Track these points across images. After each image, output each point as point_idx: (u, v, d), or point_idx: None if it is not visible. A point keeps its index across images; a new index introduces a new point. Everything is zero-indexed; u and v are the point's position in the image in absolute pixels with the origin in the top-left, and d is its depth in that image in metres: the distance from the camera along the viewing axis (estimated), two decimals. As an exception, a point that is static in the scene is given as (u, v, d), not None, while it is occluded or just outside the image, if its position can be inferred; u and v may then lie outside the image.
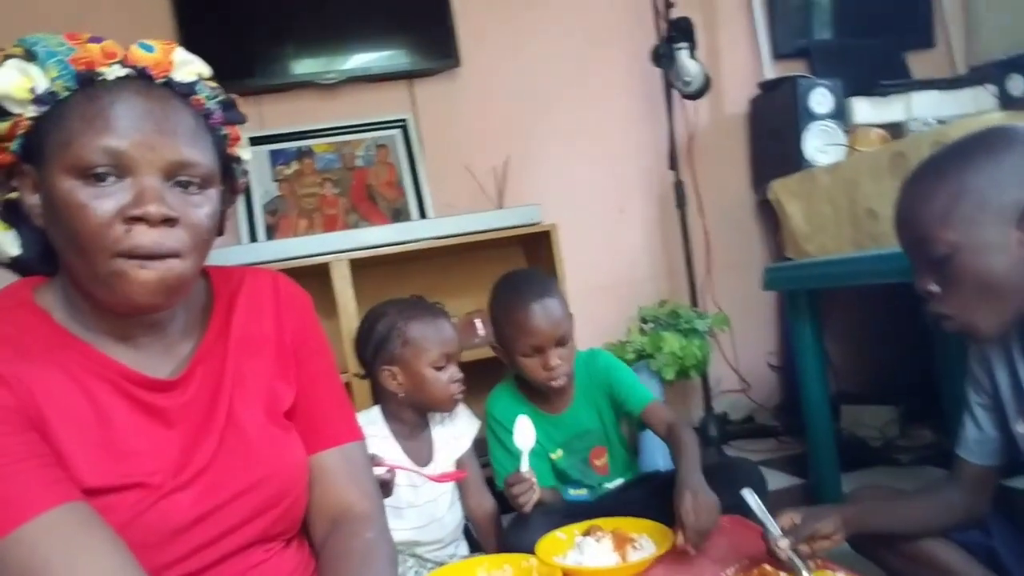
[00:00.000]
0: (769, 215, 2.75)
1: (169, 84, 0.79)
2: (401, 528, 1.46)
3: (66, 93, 0.74)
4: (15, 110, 0.74)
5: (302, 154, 2.50)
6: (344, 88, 2.53)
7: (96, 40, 0.77)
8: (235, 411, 0.85)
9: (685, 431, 1.50)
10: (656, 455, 2.40)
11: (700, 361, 2.35)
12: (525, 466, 1.42)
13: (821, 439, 2.04)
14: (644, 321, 2.45)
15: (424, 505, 1.50)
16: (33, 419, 0.70)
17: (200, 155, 0.78)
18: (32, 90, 0.74)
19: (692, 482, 1.33)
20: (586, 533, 1.37)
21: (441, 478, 1.47)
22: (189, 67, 0.81)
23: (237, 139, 0.89)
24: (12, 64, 0.74)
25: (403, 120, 2.59)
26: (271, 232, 2.40)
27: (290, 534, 0.92)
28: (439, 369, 1.49)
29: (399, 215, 2.52)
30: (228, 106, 0.86)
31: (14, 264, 0.81)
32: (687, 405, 2.73)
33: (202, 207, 0.78)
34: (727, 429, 2.55)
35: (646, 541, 1.35)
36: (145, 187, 0.73)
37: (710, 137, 2.82)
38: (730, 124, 2.85)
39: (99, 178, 0.72)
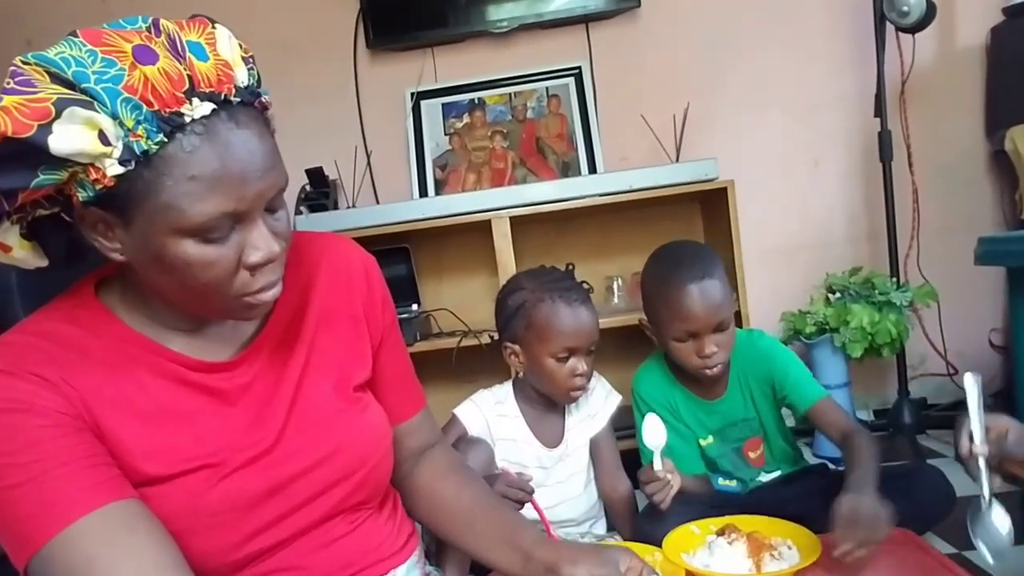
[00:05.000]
0: (1004, 169, 2.33)
1: (243, 101, 0.70)
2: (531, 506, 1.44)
3: (155, 148, 0.64)
4: (82, 161, 0.64)
5: (473, 106, 2.49)
6: (517, 36, 2.47)
7: (146, 59, 0.64)
8: (305, 386, 0.86)
9: (864, 438, 1.33)
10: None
11: (895, 339, 2.08)
12: (658, 464, 1.32)
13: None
14: (831, 290, 2.21)
15: (554, 486, 1.46)
16: (86, 420, 0.72)
17: (284, 170, 0.74)
18: (103, 136, 0.63)
19: (860, 489, 1.18)
20: (720, 532, 1.26)
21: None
22: (236, 53, 0.72)
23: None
24: (72, 115, 0.62)
25: (577, 67, 2.49)
26: (439, 187, 2.44)
27: (374, 501, 0.93)
28: (560, 360, 1.40)
29: (568, 169, 2.45)
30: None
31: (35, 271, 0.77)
32: (877, 387, 2.44)
33: (284, 219, 0.76)
34: (926, 416, 2.25)
35: (789, 549, 1.21)
36: (261, 232, 0.72)
37: (931, 78, 2.41)
38: (960, 61, 2.42)
39: (217, 238, 0.70)
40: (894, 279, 2.18)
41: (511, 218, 2.12)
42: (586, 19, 2.46)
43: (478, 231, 2.19)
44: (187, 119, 0.65)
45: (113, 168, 0.64)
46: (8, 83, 0.62)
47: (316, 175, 2.28)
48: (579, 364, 1.41)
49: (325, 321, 0.90)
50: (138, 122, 0.64)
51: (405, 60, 2.51)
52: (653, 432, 1.33)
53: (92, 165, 0.64)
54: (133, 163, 0.65)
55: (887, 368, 2.36)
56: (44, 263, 0.75)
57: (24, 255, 0.73)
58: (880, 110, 2.20)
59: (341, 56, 2.51)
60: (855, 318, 2.07)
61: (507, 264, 2.12)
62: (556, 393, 1.45)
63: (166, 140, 0.65)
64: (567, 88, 2.48)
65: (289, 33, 2.49)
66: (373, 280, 0.96)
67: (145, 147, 0.64)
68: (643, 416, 1.50)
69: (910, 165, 2.40)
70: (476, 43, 2.49)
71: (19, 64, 0.63)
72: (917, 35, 2.25)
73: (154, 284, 0.74)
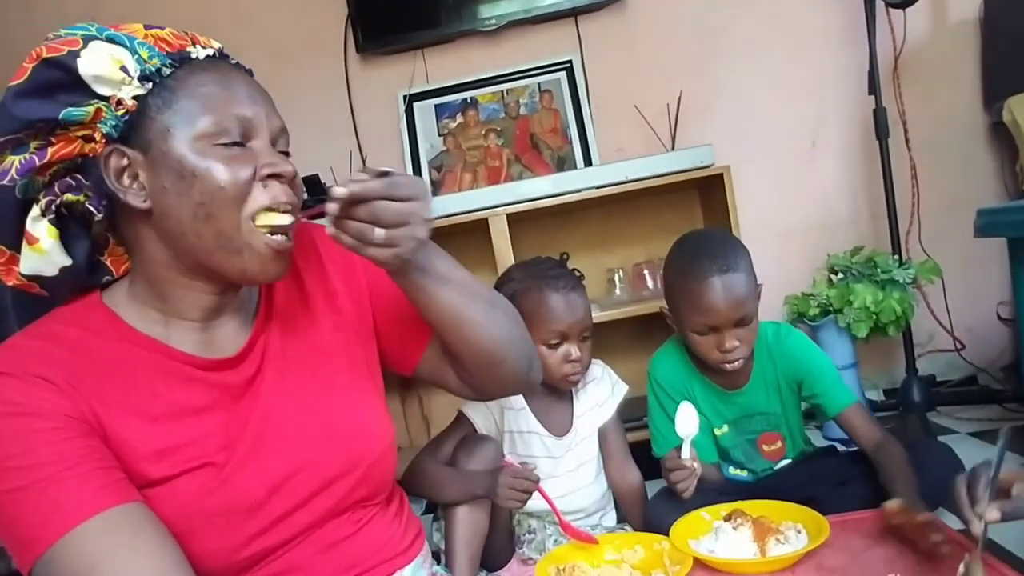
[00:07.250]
0: (1003, 141, 2.31)
1: (238, 64, 0.83)
2: (541, 497, 1.43)
3: (169, 70, 0.76)
4: (105, 92, 0.74)
5: (466, 106, 2.49)
6: (506, 33, 2.46)
7: (155, 28, 0.79)
8: (307, 381, 0.87)
9: (896, 448, 1.32)
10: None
11: (900, 316, 2.06)
12: (686, 452, 1.30)
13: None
14: (833, 271, 2.19)
15: (564, 475, 1.46)
16: (92, 423, 0.73)
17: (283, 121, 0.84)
18: (124, 70, 0.73)
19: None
20: (728, 518, 1.26)
21: (574, 534, 1.28)
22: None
23: None
24: (97, 46, 0.73)
25: (568, 61, 2.48)
26: (436, 188, 2.44)
27: (378, 498, 0.93)
28: (552, 347, 1.40)
29: (564, 163, 2.44)
30: None
31: (55, 280, 0.79)
32: (885, 366, 2.43)
33: (294, 168, 0.82)
34: (936, 393, 2.24)
35: (799, 533, 1.21)
36: (272, 152, 0.79)
37: (925, 53, 2.39)
38: (953, 34, 2.39)
39: (230, 146, 0.76)
40: (896, 257, 2.16)
41: (508, 215, 2.11)
42: (575, 12, 2.45)
43: (476, 230, 2.19)
44: (193, 56, 0.78)
45: (135, 90, 0.75)
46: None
47: (312, 183, 2.28)
48: (572, 350, 1.41)
49: (321, 315, 0.92)
50: (152, 55, 0.76)
51: (396, 63, 2.51)
52: (686, 420, 1.30)
53: (114, 97, 0.74)
54: (151, 83, 0.75)
55: (894, 347, 2.34)
56: (68, 262, 0.78)
57: (51, 245, 0.76)
58: (874, 87, 2.18)
59: (332, 62, 2.51)
60: (858, 298, 2.06)
61: (506, 262, 2.11)
62: (552, 380, 1.44)
63: (177, 66, 0.77)
64: (559, 82, 2.48)
65: (279, 42, 2.50)
66: (326, 246, 0.96)
67: (159, 67, 0.75)
68: (658, 399, 1.50)
69: (907, 141, 2.37)
70: (466, 42, 2.49)
71: (50, 35, 0.75)
72: (908, 10, 2.23)
73: (174, 225, 0.76)
